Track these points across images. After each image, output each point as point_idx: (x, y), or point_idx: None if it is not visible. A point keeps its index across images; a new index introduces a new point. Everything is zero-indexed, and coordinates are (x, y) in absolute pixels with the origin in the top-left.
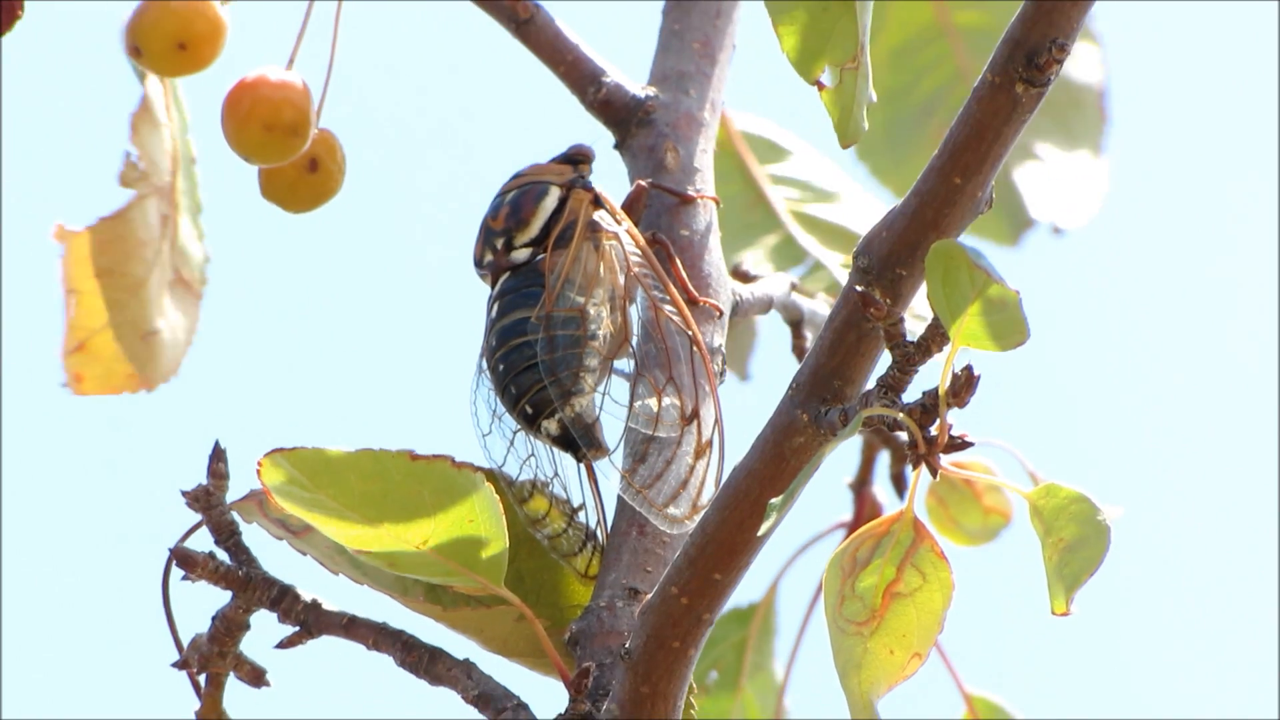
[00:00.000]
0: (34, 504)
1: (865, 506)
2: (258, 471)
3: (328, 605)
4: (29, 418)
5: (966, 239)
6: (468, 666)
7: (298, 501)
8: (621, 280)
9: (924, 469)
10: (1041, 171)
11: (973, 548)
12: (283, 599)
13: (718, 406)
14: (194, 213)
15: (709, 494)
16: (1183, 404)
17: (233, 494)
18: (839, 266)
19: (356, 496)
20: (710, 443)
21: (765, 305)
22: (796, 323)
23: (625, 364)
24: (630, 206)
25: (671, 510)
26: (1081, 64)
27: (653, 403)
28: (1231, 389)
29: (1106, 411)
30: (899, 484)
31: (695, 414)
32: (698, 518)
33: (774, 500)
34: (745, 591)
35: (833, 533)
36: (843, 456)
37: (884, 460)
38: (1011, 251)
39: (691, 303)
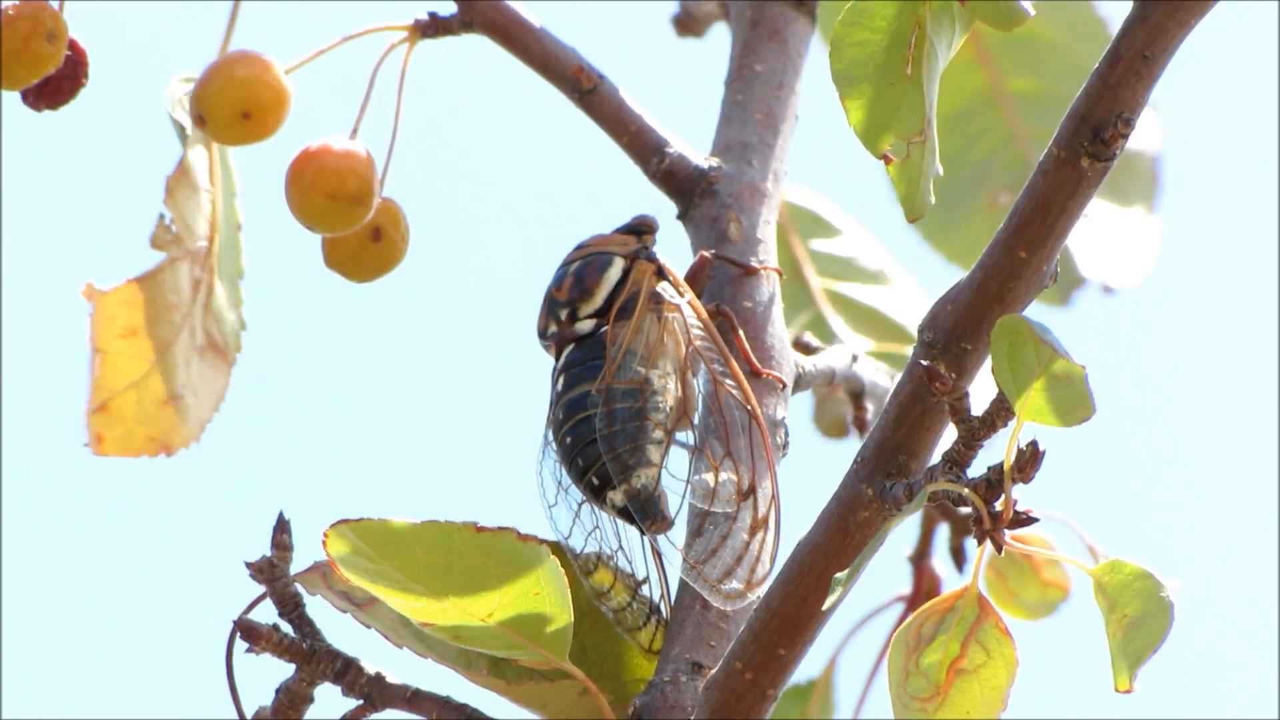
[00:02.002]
0: (88, 572)
1: (924, 580)
2: (323, 542)
3: (391, 678)
4: (78, 483)
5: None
6: None
7: (362, 573)
8: (684, 352)
9: (988, 544)
10: (1092, 230)
11: (1031, 621)
12: (347, 672)
13: (775, 482)
14: (233, 278)
15: (765, 569)
16: (1233, 469)
17: (294, 565)
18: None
19: (421, 568)
20: (767, 518)
21: (828, 377)
22: (858, 395)
23: (686, 437)
24: (693, 278)
25: (727, 586)
26: (1137, 131)
27: (709, 477)
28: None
29: (1159, 477)
30: (958, 557)
31: (753, 489)
32: (755, 594)
33: (839, 575)
34: (804, 668)
35: (891, 606)
36: (902, 529)
37: (943, 533)
38: (1061, 311)
39: (754, 375)
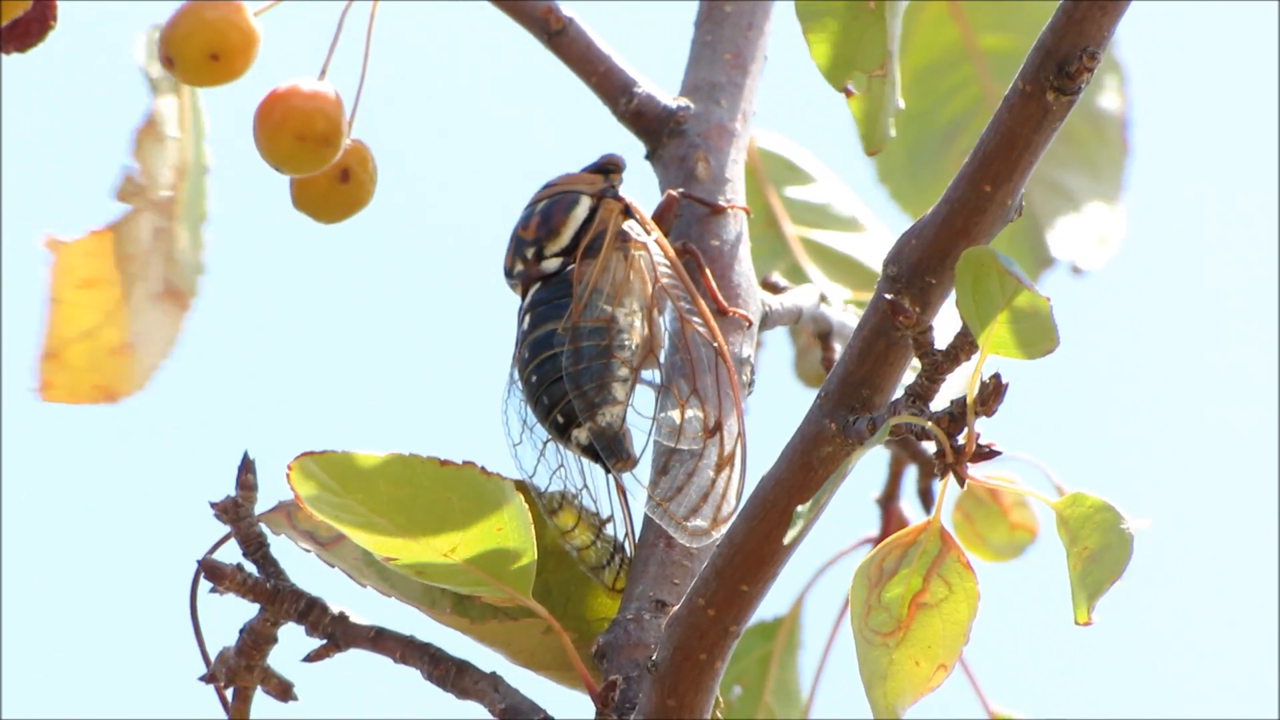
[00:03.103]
0: (53, 515)
1: (892, 522)
2: (287, 475)
3: (355, 618)
4: (42, 427)
5: None
6: (495, 680)
7: (326, 507)
8: (650, 290)
9: (951, 479)
10: (1065, 209)
11: (1000, 563)
12: (310, 611)
13: (741, 419)
14: (195, 223)
15: (730, 507)
16: (1202, 417)
17: (259, 505)
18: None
19: (385, 502)
20: (733, 455)
21: (794, 316)
22: (825, 335)
23: (652, 375)
24: (661, 216)
25: (692, 523)
26: (1106, 94)
27: (676, 415)
28: (1248, 402)
29: (1132, 428)
30: (926, 499)
31: (719, 426)
32: (718, 531)
33: (800, 508)
34: (770, 606)
35: (859, 548)
36: (870, 472)
37: (911, 476)
38: None
39: (720, 313)
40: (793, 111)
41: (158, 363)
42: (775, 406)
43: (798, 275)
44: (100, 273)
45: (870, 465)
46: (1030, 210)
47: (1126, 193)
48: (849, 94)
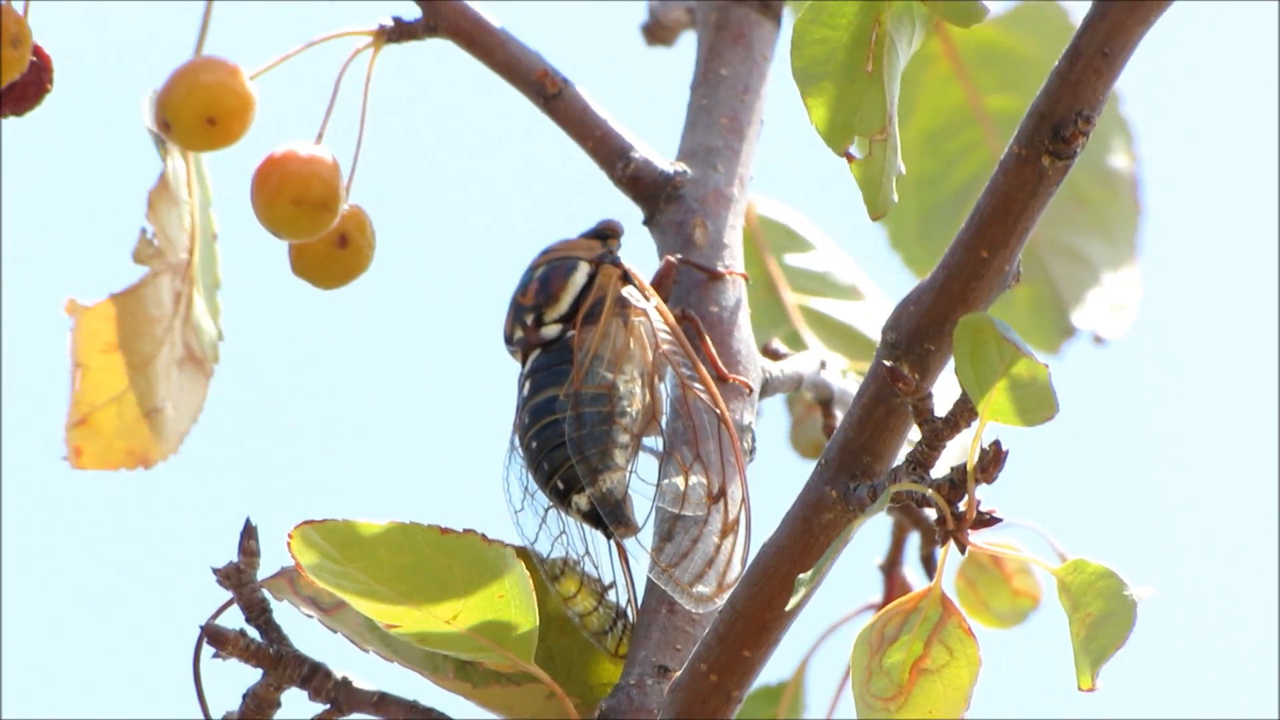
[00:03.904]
0: (57, 580)
1: (895, 588)
2: (288, 544)
3: (358, 683)
4: (47, 492)
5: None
6: None
7: (327, 575)
8: (650, 357)
9: (952, 545)
10: (1083, 277)
11: (1002, 630)
12: (313, 676)
13: (745, 485)
14: (211, 289)
15: (735, 572)
16: (1207, 488)
17: (262, 571)
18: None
19: (386, 570)
20: (737, 521)
21: (795, 383)
22: (826, 402)
23: (654, 441)
24: (659, 282)
25: (698, 589)
26: (1115, 154)
27: (679, 481)
28: (1252, 465)
29: (1134, 499)
30: (929, 565)
31: (722, 492)
32: (724, 597)
33: (802, 575)
34: (774, 670)
35: (862, 614)
36: (873, 538)
37: (914, 542)
38: (1053, 359)
39: (721, 380)
40: (800, 178)
41: (188, 427)
42: (772, 476)
43: (796, 343)
44: (124, 337)
45: (873, 531)
46: (1049, 278)
47: (1141, 254)
48: (850, 159)
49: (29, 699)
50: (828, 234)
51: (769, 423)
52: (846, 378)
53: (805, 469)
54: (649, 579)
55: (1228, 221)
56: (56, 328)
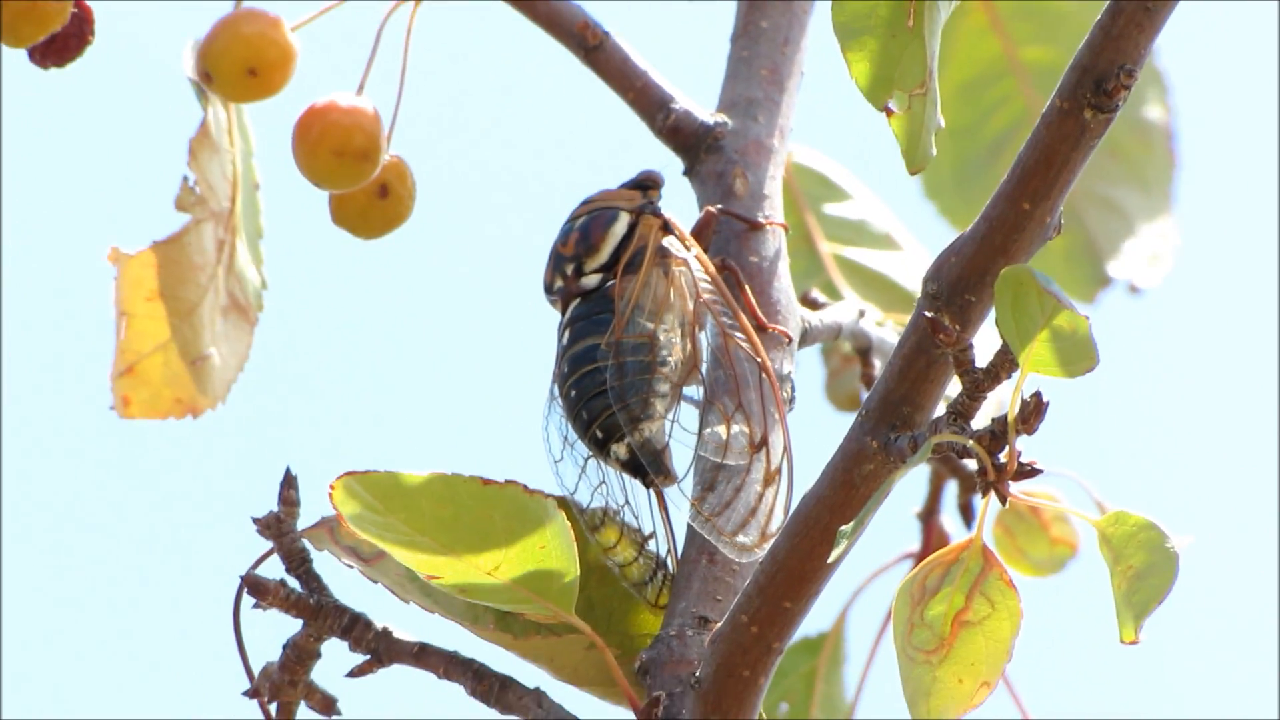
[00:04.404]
0: (99, 529)
1: (933, 536)
2: (329, 495)
3: (399, 633)
4: (90, 440)
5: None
6: (538, 695)
7: (369, 525)
8: (691, 306)
9: (993, 496)
10: (1119, 227)
11: (1039, 578)
12: (354, 627)
13: (786, 434)
14: (254, 238)
15: (778, 522)
16: (1249, 432)
17: (302, 521)
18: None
19: (428, 521)
20: (779, 470)
21: (834, 332)
22: (865, 351)
23: (695, 391)
24: (699, 233)
25: (740, 538)
26: (1151, 105)
27: (722, 430)
28: None
29: (1167, 448)
30: (966, 514)
31: (764, 441)
32: (767, 546)
33: (844, 527)
34: (814, 621)
35: (900, 563)
36: (910, 486)
37: (952, 490)
38: (1088, 308)
39: (760, 329)
40: (836, 127)
41: (235, 375)
42: (808, 428)
43: (831, 293)
44: (168, 285)
45: (910, 480)
46: (1084, 228)
47: (1177, 206)
48: (890, 113)
49: (72, 650)
50: (863, 184)
51: (804, 375)
52: (885, 326)
53: (840, 421)
54: (690, 528)
55: (1263, 173)
56: (100, 276)
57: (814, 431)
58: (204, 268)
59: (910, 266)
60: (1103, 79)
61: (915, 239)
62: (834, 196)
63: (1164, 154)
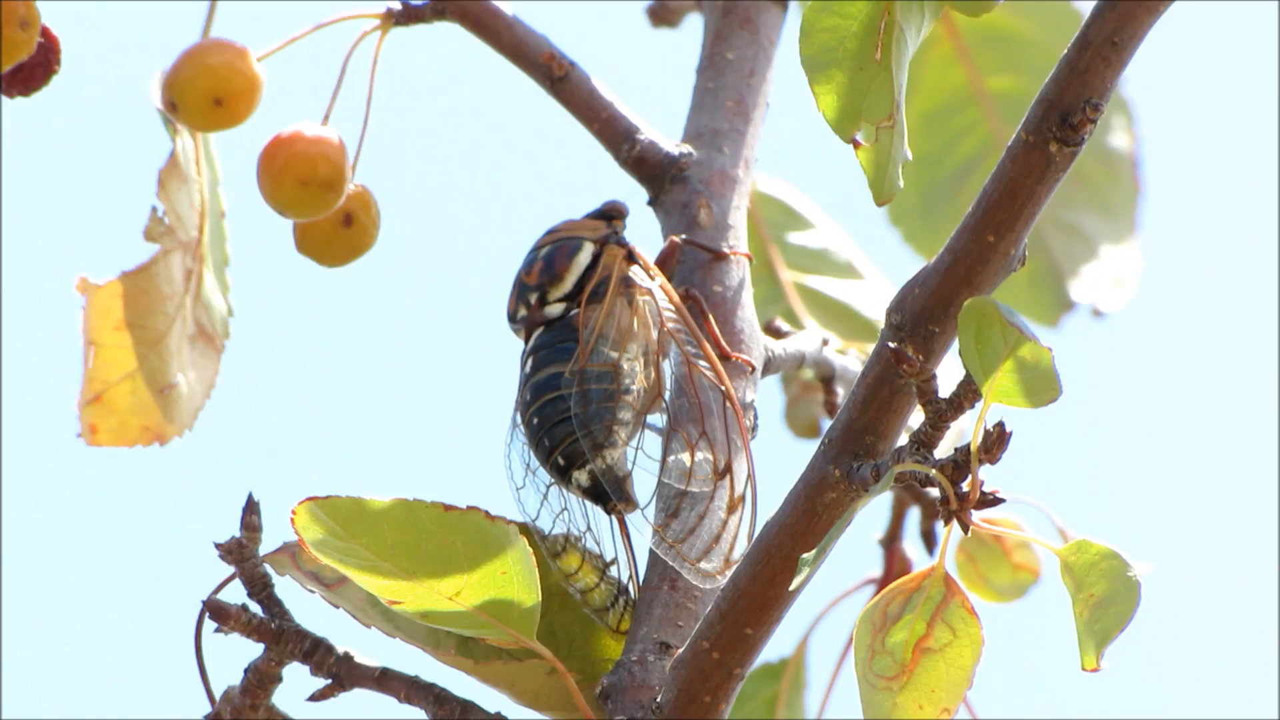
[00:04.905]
0: (61, 554)
1: (895, 563)
2: (291, 520)
3: (360, 658)
4: (52, 467)
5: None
6: None
7: (331, 551)
8: (655, 335)
9: (955, 525)
10: (1082, 251)
11: (1001, 604)
12: (315, 651)
13: (750, 461)
14: (220, 267)
15: (741, 549)
16: (1211, 459)
17: (265, 546)
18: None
19: (390, 547)
20: (743, 498)
21: (797, 361)
22: (828, 379)
23: (658, 419)
24: (663, 262)
25: (704, 565)
26: (1115, 133)
27: (686, 458)
28: (1260, 444)
29: (1130, 472)
30: (929, 540)
31: (728, 469)
32: (730, 572)
33: (806, 555)
34: (775, 647)
35: (862, 589)
36: (873, 513)
37: (914, 517)
38: (1051, 333)
39: (724, 358)
40: (802, 157)
41: (202, 402)
42: (767, 456)
43: (792, 321)
44: (136, 314)
45: (873, 506)
46: (1048, 253)
47: (1141, 231)
48: (857, 145)
49: (33, 672)
50: (826, 211)
51: (763, 403)
52: (848, 355)
53: (799, 448)
54: (651, 555)
55: (1228, 199)
56: (68, 307)
57: (773, 459)
58: (172, 297)
59: (872, 295)
60: (1068, 113)
61: (877, 269)
62: (797, 225)
63: (1129, 180)
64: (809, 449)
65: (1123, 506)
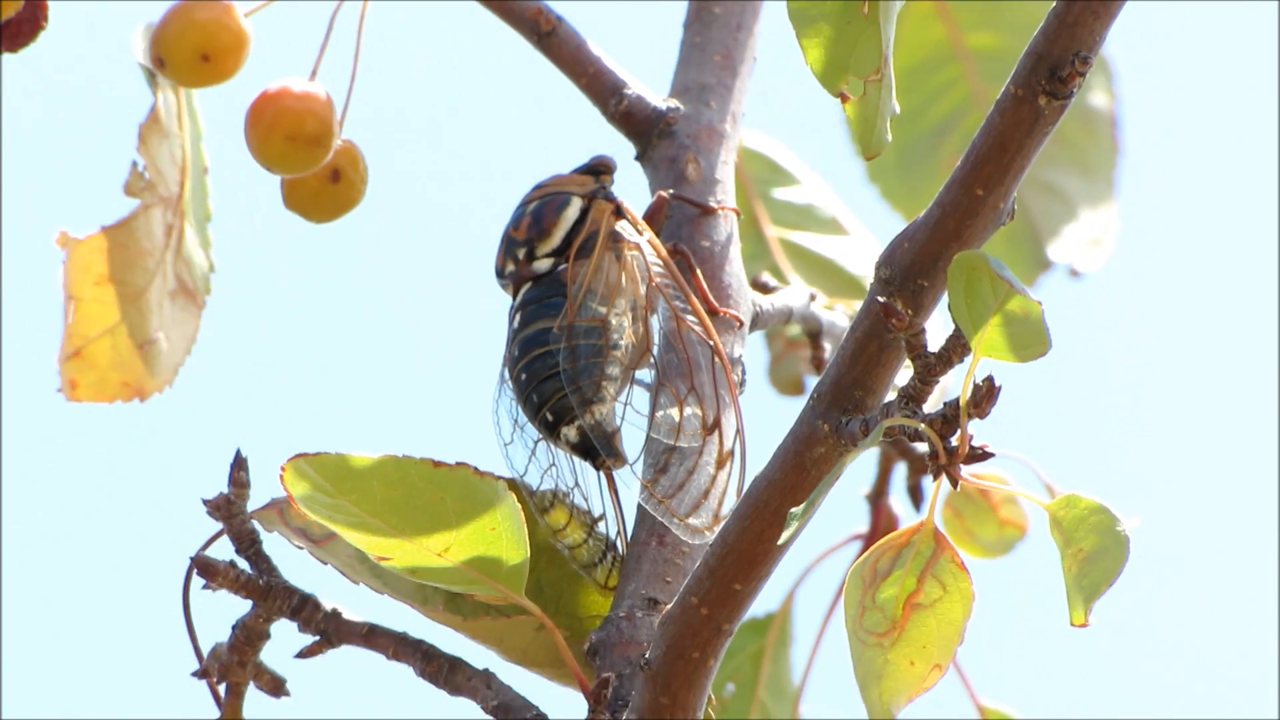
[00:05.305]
0: (48, 511)
1: (882, 518)
2: (280, 477)
3: (348, 614)
4: (39, 424)
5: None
6: (487, 676)
7: (320, 507)
8: (643, 290)
9: (944, 480)
10: (1060, 211)
11: (988, 560)
12: (303, 608)
13: (739, 416)
14: (202, 222)
15: (730, 504)
16: (1193, 417)
17: (252, 502)
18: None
19: (378, 503)
20: (732, 453)
21: (785, 316)
22: (815, 334)
23: (647, 374)
24: (651, 217)
25: (693, 520)
26: (1095, 93)
27: (674, 412)
28: (1240, 403)
29: (1121, 428)
30: (915, 496)
31: (717, 424)
32: (719, 528)
33: (794, 510)
34: (761, 602)
35: (849, 544)
36: (859, 468)
37: (901, 472)
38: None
39: (712, 313)
40: (781, 112)
41: (182, 358)
42: (749, 412)
43: (777, 276)
44: (116, 269)
45: (860, 462)
46: (1026, 213)
47: (1119, 192)
48: (845, 99)
49: (22, 632)
50: (811, 168)
51: (747, 359)
52: (836, 310)
53: (782, 405)
54: (639, 511)
55: (1209, 159)
56: (49, 261)
57: (757, 415)
58: (152, 252)
59: (857, 251)
60: (1057, 66)
61: (861, 224)
62: (782, 181)
63: (1108, 141)
64: (792, 406)
65: (1103, 464)
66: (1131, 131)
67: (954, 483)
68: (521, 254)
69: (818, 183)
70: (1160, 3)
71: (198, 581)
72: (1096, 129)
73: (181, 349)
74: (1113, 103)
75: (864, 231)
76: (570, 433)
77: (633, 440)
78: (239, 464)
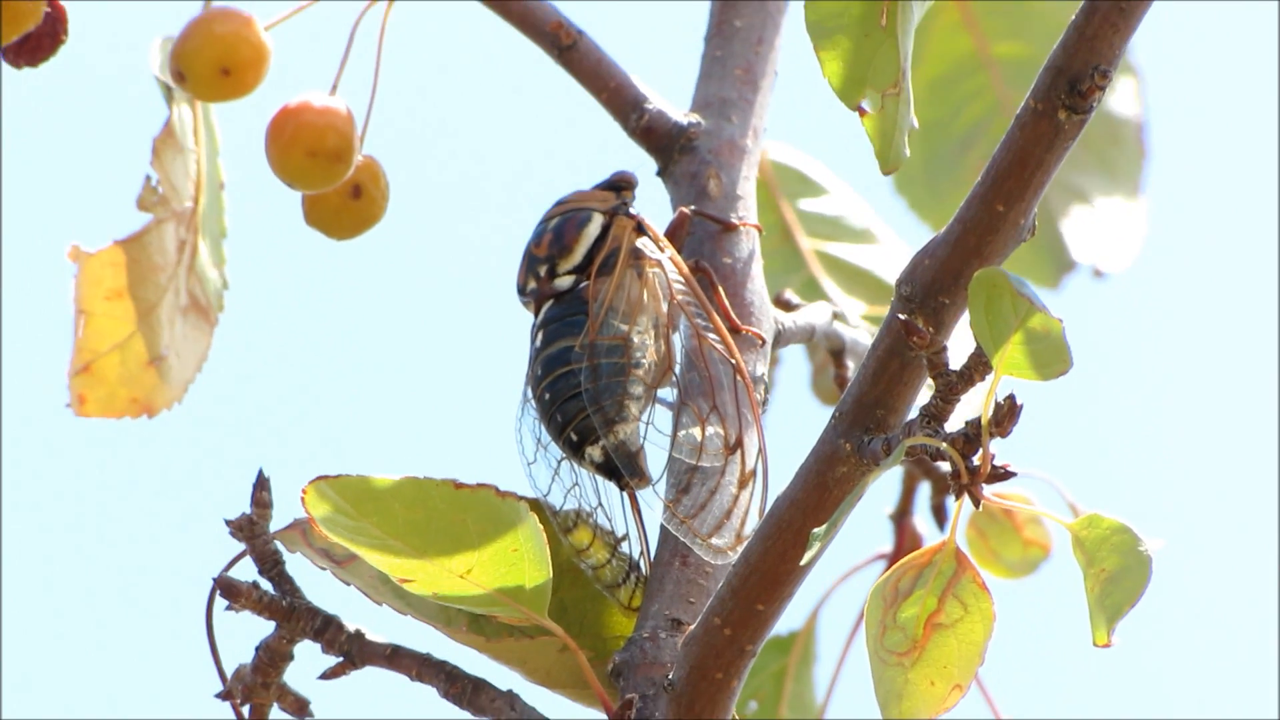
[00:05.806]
0: (48, 515)
1: (905, 537)
2: (302, 499)
3: (371, 636)
4: (47, 438)
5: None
6: (511, 698)
7: (341, 530)
8: (665, 308)
9: (966, 499)
10: (1084, 212)
11: (1013, 580)
12: (326, 629)
13: (761, 436)
14: (216, 238)
15: (753, 524)
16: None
17: (275, 523)
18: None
19: (400, 525)
20: (754, 472)
21: (808, 334)
22: (838, 352)
23: (669, 393)
24: (673, 234)
25: (716, 540)
26: (1121, 97)
27: (696, 432)
28: (1265, 420)
29: (1144, 446)
30: (939, 515)
31: (739, 443)
32: (741, 548)
33: (817, 530)
34: (785, 621)
35: (873, 563)
36: (883, 487)
37: (925, 491)
38: (1052, 294)
39: (734, 331)
40: (808, 122)
41: (192, 375)
42: (791, 422)
43: (813, 288)
44: (128, 284)
45: (883, 481)
46: (1049, 214)
47: (1145, 194)
48: (863, 113)
49: (36, 653)
50: (839, 179)
51: (789, 370)
52: (859, 328)
53: (826, 415)
54: (662, 531)
55: (1233, 162)
56: (60, 274)
57: (799, 426)
58: (164, 268)
59: (890, 260)
60: (1077, 80)
61: (893, 232)
62: (811, 192)
63: (1134, 144)
64: (825, 416)
65: (1122, 470)
66: (1158, 135)
67: (976, 502)
68: (543, 271)
69: (848, 193)
70: (1186, 3)
71: (221, 602)
72: (1122, 133)
73: (192, 366)
74: (1139, 107)
75: (896, 239)
76: (595, 453)
77: (656, 460)
78: (261, 484)
